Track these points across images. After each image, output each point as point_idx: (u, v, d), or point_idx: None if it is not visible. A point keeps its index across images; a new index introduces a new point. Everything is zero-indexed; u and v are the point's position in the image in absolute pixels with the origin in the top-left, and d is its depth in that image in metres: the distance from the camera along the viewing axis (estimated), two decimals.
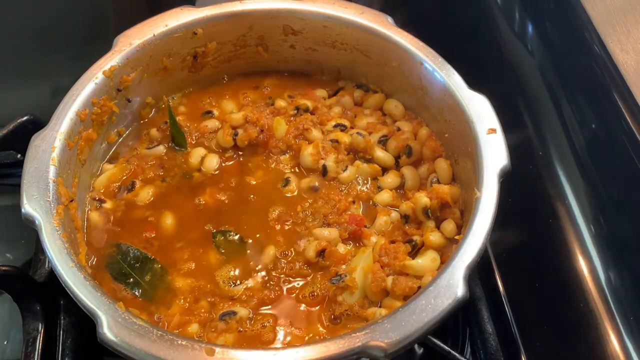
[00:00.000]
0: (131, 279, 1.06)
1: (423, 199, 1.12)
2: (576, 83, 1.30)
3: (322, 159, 1.20)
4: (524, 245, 1.25)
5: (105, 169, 1.21)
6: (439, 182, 1.17)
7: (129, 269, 1.07)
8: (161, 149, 1.24)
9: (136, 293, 1.05)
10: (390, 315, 0.89)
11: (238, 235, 1.13)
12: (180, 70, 1.29)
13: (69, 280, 0.91)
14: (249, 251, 1.12)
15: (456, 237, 1.06)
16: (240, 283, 1.07)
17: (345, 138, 1.23)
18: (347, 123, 1.26)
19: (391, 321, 0.88)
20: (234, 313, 1.02)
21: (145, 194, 1.18)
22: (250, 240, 1.13)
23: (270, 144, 1.24)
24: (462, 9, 1.59)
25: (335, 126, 1.25)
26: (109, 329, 0.86)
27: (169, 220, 1.15)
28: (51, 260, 0.94)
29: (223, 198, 1.19)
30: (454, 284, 0.91)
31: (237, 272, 1.09)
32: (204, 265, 1.10)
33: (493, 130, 1.07)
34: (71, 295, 0.91)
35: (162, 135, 1.27)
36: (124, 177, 1.20)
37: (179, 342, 0.85)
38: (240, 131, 1.23)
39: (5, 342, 1.20)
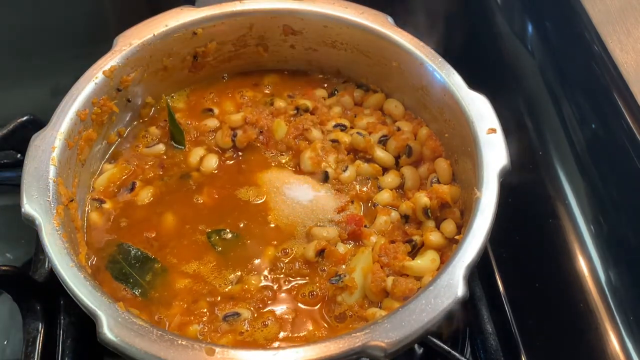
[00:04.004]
0: (131, 279, 1.06)
1: (423, 198, 1.12)
2: (576, 83, 1.30)
3: (322, 160, 1.20)
4: (524, 245, 1.25)
5: (105, 169, 1.21)
6: (439, 182, 1.17)
7: (129, 269, 1.07)
8: (160, 147, 1.24)
9: (136, 293, 1.05)
10: (390, 315, 0.89)
11: (233, 233, 1.13)
12: (180, 70, 1.29)
13: (69, 280, 0.91)
14: (248, 251, 1.12)
15: (456, 237, 1.06)
16: (239, 283, 1.07)
17: (345, 138, 1.23)
18: (347, 123, 1.26)
19: (391, 321, 0.88)
20: (238, 314, 1.02)
21: (145, 194, 1.18)
22: (248, 241, 1.13)
23: (270, 145, 1.24)
24: (462, 9, 1.59)
25: (335, 126, 1.25)
26: (109, 329, 0.86)
27: (168, 220, 1.15)
28: (51, 260, 0.94)
29: (222, 198, 1.18)
30: (453, 284, 0.91)
31: (235, 271, 1.09)
32: (203, 265, 1.09)
33: (493, 130, 1.07)
34: (71, 296, 0.91)
35: (161, 133, 1.27)
36: (124, 177, 1.20)
37: (179, 342, 0.85)
38: (239, 132, 1.23)
39: (5, 342, 1.20)
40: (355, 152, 1.23)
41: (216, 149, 1.25)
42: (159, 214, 1.16)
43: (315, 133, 1.23)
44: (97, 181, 1.19)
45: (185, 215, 1.16)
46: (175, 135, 1.25)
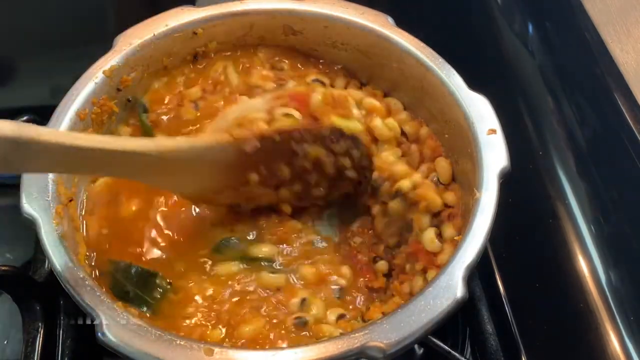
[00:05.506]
0: (139, 299, 1.02)
1: None
2: (576, 83, 1.30)
3: None
4: (524, 245, 1.25)
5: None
6: (439, 181, 1.16)
7: (134, 289, 1.03)
8: None
9: (146, 311, 1.01)
10: (389, 315, 0.89)
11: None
12: (180, 70, 1.29)
13: (68, 280, 0.91)
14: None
15: (455, 238, 1.06)
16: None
17: None
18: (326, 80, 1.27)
19: (390, 322, 0.88)
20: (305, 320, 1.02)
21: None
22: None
23: None
24: (462, 9, 1.59)
25: (314, 80, 1.26)
26: (108, 329, 0.86)
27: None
28: (50, 260, 0.94)
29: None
30: (453, 285, 0.91)
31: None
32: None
33: (493, 131, 1.07)
34: (70, 296, 0.91)
35: (132, 131, 1.23)
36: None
37: (178, 342, 0.85)
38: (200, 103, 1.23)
39: (5, 342, 1.20)
40: None
41: None
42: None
43: None
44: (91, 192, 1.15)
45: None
46: (145, 133, 1.22)
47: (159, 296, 1.03)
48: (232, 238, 1.10)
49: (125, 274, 1.04)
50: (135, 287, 1.03)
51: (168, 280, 1.05)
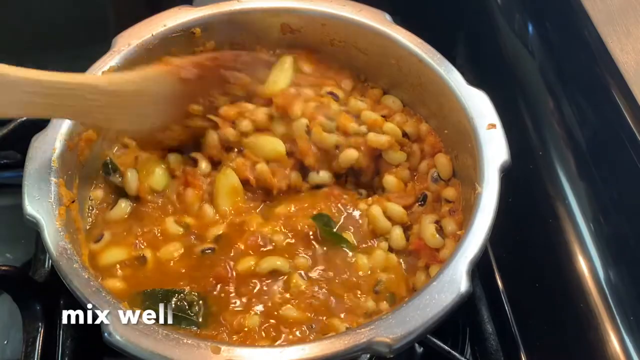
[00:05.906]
0: (178, 319, 0.99)
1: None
2: (576, 83, 1.30)
3: None
4: (524, 245, 1.25)
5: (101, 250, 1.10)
6: (439, 177, 1.17)
7: (178, 312, 1.00)
8: (125, 207, 1.15)
9: (194, 328, 0.99)
10: (395, 310, 0.89)
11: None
12: None
13: (74, 282, 0.91)
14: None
15: (458, 233, 1.06)
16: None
17: None
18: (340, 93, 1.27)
19: (396, 317, 0.88)
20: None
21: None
22: None
23: None
24: (461, 9, 1.59)
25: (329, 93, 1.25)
26: (115, 329, 0.86)
27: None
28: (55, 262, 0.93)
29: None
30: (457, 279, 0.91)
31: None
32: None
33: (493, 126, 1.07)
34: (76, 297, 0.91)
35: (106, 190, 1.17)
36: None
37: (185, 341, 0.85)
38: None
39: (5, 342, 1.20)
40: None
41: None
42: None
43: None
44: (102, 261, 1.08)
45: None
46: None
47: (197, 309, 1.01)
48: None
49: (153, 301, 1.00)
50: (180, 311, 1.00)
51: (195, 293, 1.03)
